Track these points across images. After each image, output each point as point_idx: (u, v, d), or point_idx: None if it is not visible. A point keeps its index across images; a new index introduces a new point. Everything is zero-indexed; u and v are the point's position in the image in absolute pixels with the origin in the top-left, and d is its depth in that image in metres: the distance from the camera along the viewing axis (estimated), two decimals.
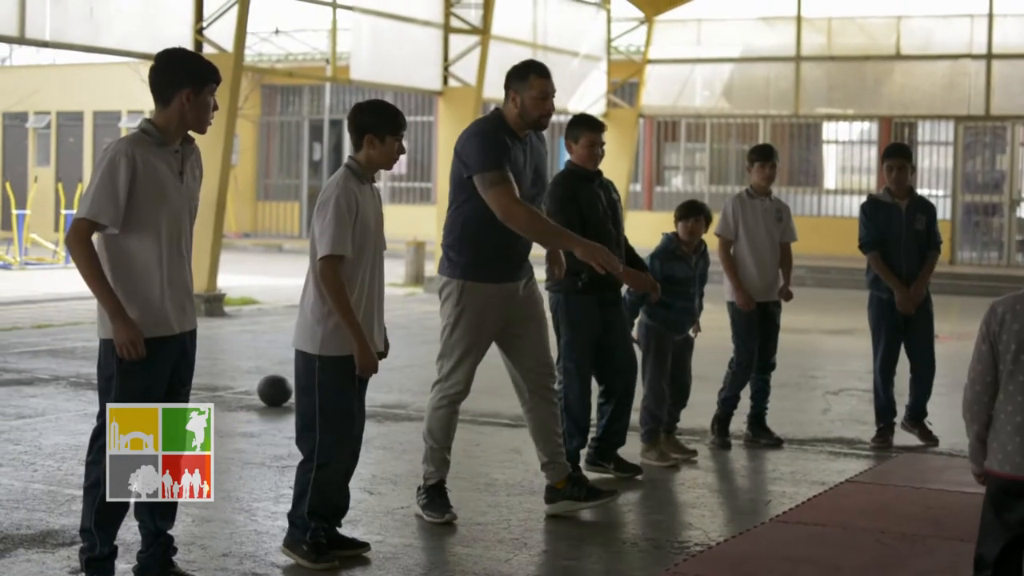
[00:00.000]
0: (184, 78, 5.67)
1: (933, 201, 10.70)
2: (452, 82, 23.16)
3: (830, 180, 31.64)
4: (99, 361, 5.72)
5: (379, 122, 6.46)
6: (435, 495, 7.31)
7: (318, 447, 6.33)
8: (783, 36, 27.99)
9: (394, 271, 25.93)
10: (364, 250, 6.33)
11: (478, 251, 7.17)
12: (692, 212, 9.16)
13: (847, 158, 31.43)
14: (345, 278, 6.20)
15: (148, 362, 5.59)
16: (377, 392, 11.60)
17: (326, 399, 6.32)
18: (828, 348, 16.51)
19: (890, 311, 9.87)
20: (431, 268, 24.08)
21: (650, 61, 28.93)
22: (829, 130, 31.62)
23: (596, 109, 28.13)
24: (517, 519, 7.34)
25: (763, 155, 9.75)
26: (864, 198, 10.36)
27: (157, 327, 5.64)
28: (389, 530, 7.07)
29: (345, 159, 6.54)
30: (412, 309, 20.01)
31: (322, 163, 35.44)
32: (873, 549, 6.79)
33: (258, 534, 6.89)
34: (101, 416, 5.62)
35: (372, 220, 6.38)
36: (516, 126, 7.25)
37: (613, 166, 28.31)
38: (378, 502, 7.69)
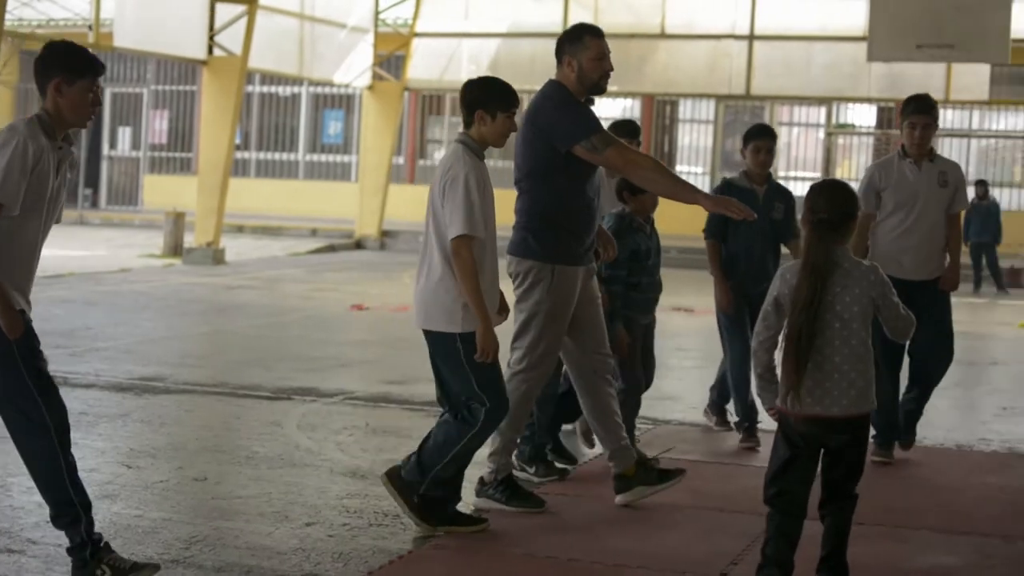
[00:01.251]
0: (56, 69, 5.51)
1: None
2: (217, 51, 22.79)
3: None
4: None
5: (490, 98, 6.46)
6: (513, 486, 7.11)
7: (491, 412, 6.43)
8: (551, 12, 28.18)
9: (152, 242, 25.52)
10: (488, 229, 6.40)
11: (563, 234, 6.95)
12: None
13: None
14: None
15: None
16: (135, 364, 11.40)
17: (480, 373, 6.38)
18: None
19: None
20: (190, 239, 23.75)
21: (417, 34, 28.86)
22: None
23: (362, 82, 27.99)
24: (278, 492, 7.26)
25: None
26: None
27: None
28: (148, 504, 6.92)
29: (457, 135, 6.52)
30: (170, 280, 19.67)
31: (80, 131, 34.51)
32: (630, 517, 6.90)
33: (13, 509, 6.70)
34: None
35: (491, 198, 6.45)
36: (577, 92, 7.01)
37: (376, 139, 28.26)
38: (136, 476, 7.53)
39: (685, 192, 6.94)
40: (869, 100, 28.83)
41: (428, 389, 10.67)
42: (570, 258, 6.95)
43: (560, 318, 6.96)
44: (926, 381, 8.56)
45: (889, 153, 8.83)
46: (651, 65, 27.95)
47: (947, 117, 29.45)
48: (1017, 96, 29.23)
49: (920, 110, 8.38)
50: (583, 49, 6.99)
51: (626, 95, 30.10)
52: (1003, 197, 27.06)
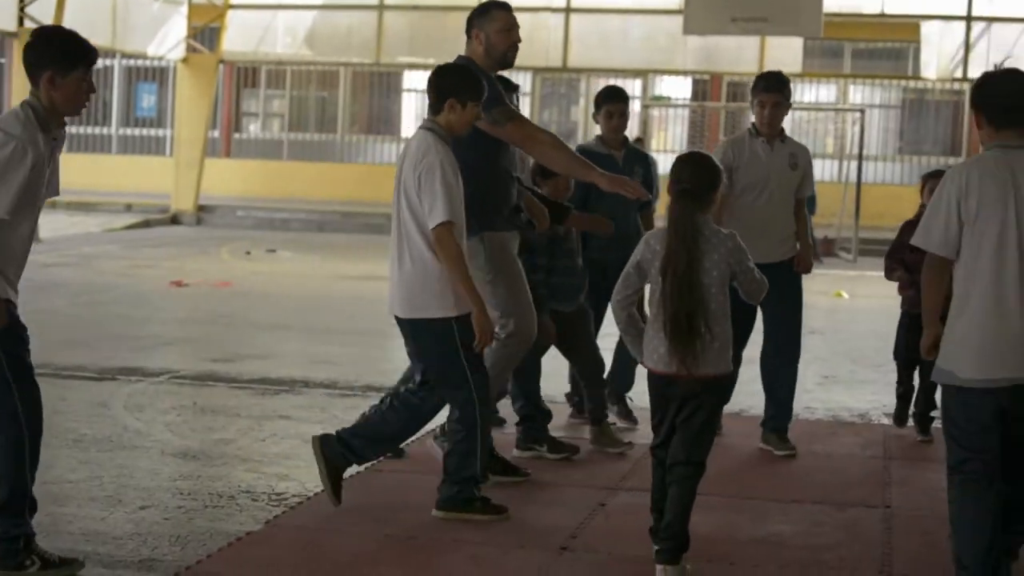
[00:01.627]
0: (47, 61, 5.37)
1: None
2: (28, 23, 22.21)
3: (408, 128, 31.96)
4: None
5: (463, 87, 6.38)
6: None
7: (479, 403, 6.41)
8: None
9: None
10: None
11: (482, 206, 6.77)
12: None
13: (424, 106, 31.71)
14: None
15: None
16: None
17: (471, 356, 6.36)
18: None
19: None
20: None
21: (232, 6, 28.42)
22: (409, 79, 31.90)
23: (176, 54, 27.53)
24: (109, 476, 7.14)
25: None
26: None
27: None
28: None
29: (424, 122, 6.44)
30: None
31: None
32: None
33: None
34: None
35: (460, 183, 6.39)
36: (486, 67, 6.95)
37: (192, 112, 27.82)
38: None
39: (581, 169, 7.04)
40: (684, 73, 29.21)
41: (254, 367, 10.73)
42: (494, 226, 6.95)
43: (515, 275, 6.98)
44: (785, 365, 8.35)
45: (739, 132, 8.73)
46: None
47: None
48: (829, 68, 29.87)
49: (770, 88, 8.15)
50: (490, 21, 7.05)
51: None
52: (816, 168, 27.53)
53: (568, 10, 27.22)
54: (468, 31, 7.15)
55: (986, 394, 5.30)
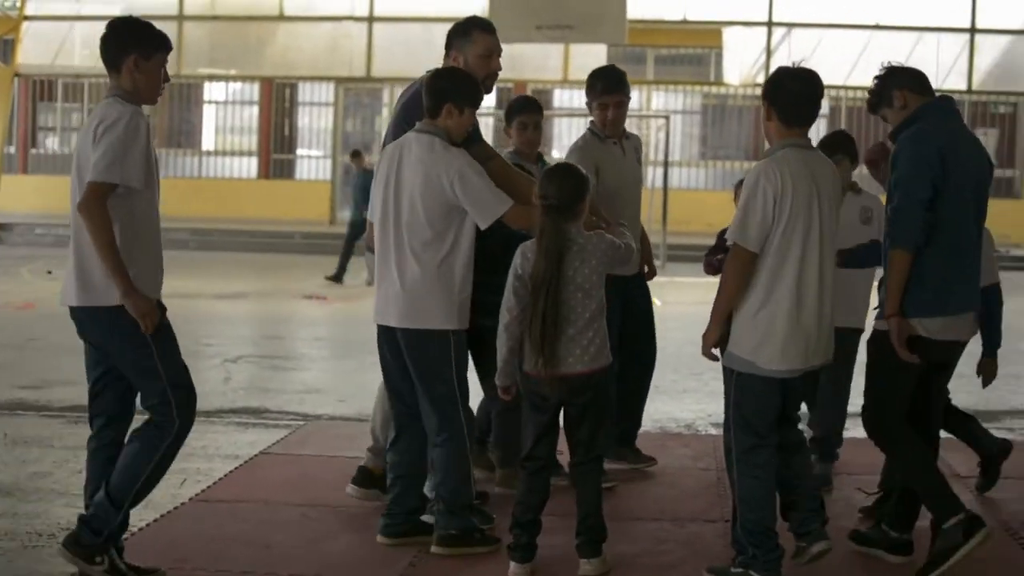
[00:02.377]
0: (131, 46, 5.49)
1: (313, 163, 10.51)
2: None
3: (208, 141, 31.39)
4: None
5: (461, 92, 6.09)
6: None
7: (468, 421, 6.26)
8: None
9: None
10: None
11: None
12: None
13: (225, 118, 31.26)
14: None
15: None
16: None
17: (463, 372, 6.24)
18: (219, 313, 16.21)
19: None
20: None
21: (27, 17, 27.62)
22: (208, 90, 31.34)
23: None
24: None
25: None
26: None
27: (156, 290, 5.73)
28: None
29: (423, 126, 6.10)
30: None
31: None
32: (300, 523, 6.67)
33: None
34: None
35: None
36: None
37: None
38: None
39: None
40: None
41: (65, 394, 10.26)
42: None
43: None
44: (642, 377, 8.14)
45: (583, 137, 7.76)
46: (270, 48, 27.57)
47: (565, 97, 30.07)
48: (633, 75, 30.03)
49: (610, 89, 7.58)
50: (471, 44, 6.65)
51: (244, 79, 29.62)
52: None
53: (371, 19, 27.00)
54: (446, 48, 6.75)
55: (781, 383, 5.70)
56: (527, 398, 5.95)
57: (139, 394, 5.74)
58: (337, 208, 28.90)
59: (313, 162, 30.15)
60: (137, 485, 5.63)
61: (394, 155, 6.17)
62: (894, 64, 6.32)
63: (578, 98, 29.73)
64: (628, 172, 7.73)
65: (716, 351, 5.79)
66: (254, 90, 30.38)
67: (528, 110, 7.67)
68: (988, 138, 28.93)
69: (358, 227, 19.17)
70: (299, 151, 30.53)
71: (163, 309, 5.68)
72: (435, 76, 6.23)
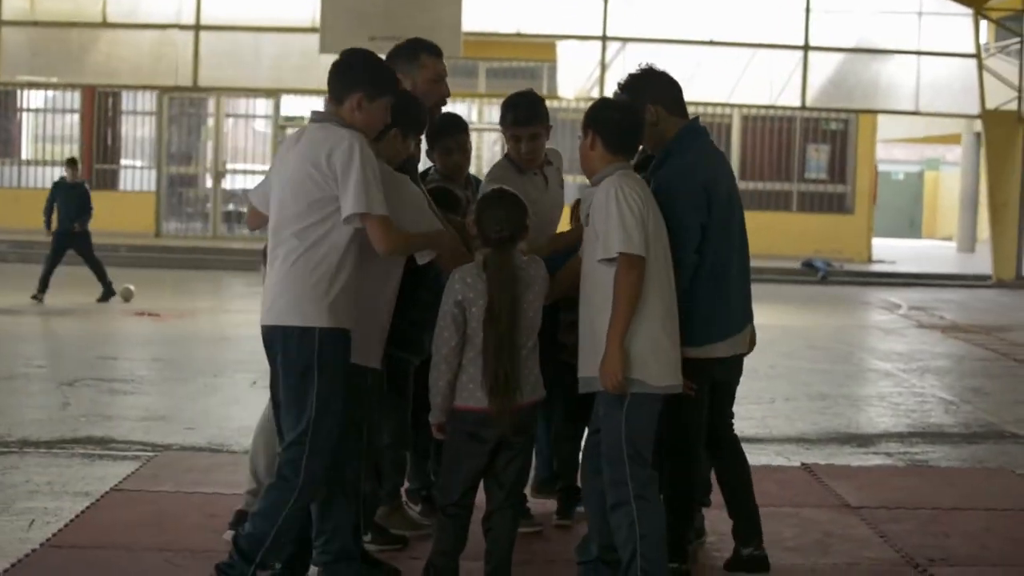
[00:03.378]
0: (361, 84, 5.44)
1: (136, 173, 9.88)
2: None
3: (26, 150, 30.34)
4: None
5: (404, 118, 5.84)
6: None
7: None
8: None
9: None
10: None
11: None
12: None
13: (42, 127, 30.24)
14: None
15: None
16: None
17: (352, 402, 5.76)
18: (47, 331, 15.51)
19: None
20: None
21: None
22: (26, 98, 30.29)
23: None
24: None
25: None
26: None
27: None
28: None
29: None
30: None
31: None
32: (165, 571, 6.16)
33: None
34: None
35: None
36: None
37: None
38: None
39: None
40: (319, 92, 28.47)
41: None
42: None
43: None
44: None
45: (498, 166, 6.96)
46: (92, 55, 26.68)
47: None
48: (465, 88, 29.68)
49: (520, 120, 6.68)
50: (418, 68, 6.27)
51: (66, 87, 28.65)
52: None
53: (198, 27, 26.23)
54: None
55: (663, 400, 5.58)
56: (459, 439, 5.65)
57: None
58: (163, 220, 28.11)
59: (137, 172, 29.30)
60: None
61: (287, 143, 5.69)
62: (652, 68, 6.16)
63: None
64: (549, 203, 6.92)
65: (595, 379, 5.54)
66: (75, 98, 29.40)
67: (451, 131, 6.85)
68: (820, 154, 29.24)
69: (65, 239, 18.51)
70: (123, 161, 29.65)
71: None
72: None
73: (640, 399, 5.50)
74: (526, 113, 6.70)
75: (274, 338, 5.47)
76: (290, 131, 29.17)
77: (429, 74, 6.33)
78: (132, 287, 18.21)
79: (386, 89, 5.56)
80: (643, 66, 6.23)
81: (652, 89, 6.02)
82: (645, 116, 5.86)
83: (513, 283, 5.55)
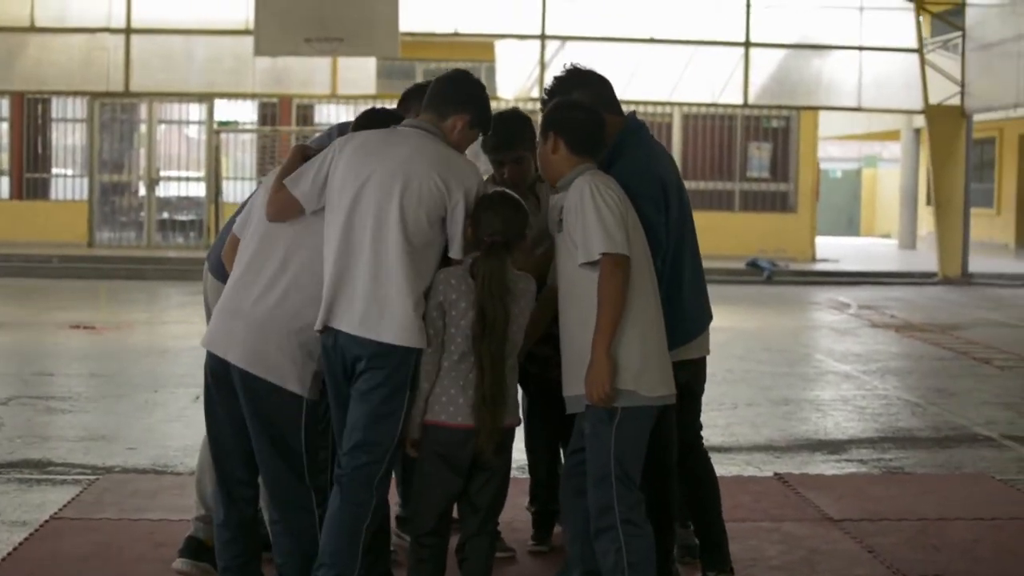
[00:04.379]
0: (470, 107, 5.40)
1: (66, 182, 9.37)
2: None
3: None
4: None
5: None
6: None
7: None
8: None
9: None
10: None
11: None
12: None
13: None
14: None
15: None
16: None
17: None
18: None
19: None
20: None
21: None
22: None
23: None
24: None
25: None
26: None
27: None
28: None
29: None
30: None
31: None
32: None
33: None
34: None
35: None
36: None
37: None
38: None
39: None
40: (253, 96, 28.08)
41: None
42: None
43: None
44: None
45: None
46: (21, 61, 26.05)
47: (333, 112, 29.20)
48: (403, 90, 29.32)
49: (500, 145, 6.19)
50: None
51: None
52: None
53: (128, 31, 25.64)
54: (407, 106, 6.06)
55: (656, 414, 5.25)
56: (430, 460, 5.27)
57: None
58: (96, 229, 27.51)
59: (68, 181, 28.66)
60: None
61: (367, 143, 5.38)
62: (577, 67, 5.89)
63: (345, 114, 28.99)
64: (545, 224, 6.17)
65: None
66: (3, 105, 28.74)
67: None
68: (762, 152, 29.00)
69: None
70: (54, 170, 29.00)
71: None
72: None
73: (632, 413, 5.14)
74: (507, 136, 6.20)
75: (367, 351, 5.14)
76: (224, 136, 28.82)
77: None
78: None
79: (486, 124, 5.53)
80: (568, 66, 5.95)
81: (582, 90, 5.72)
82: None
83: (504, 292, 5.19)
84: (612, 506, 5.15)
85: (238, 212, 5.74)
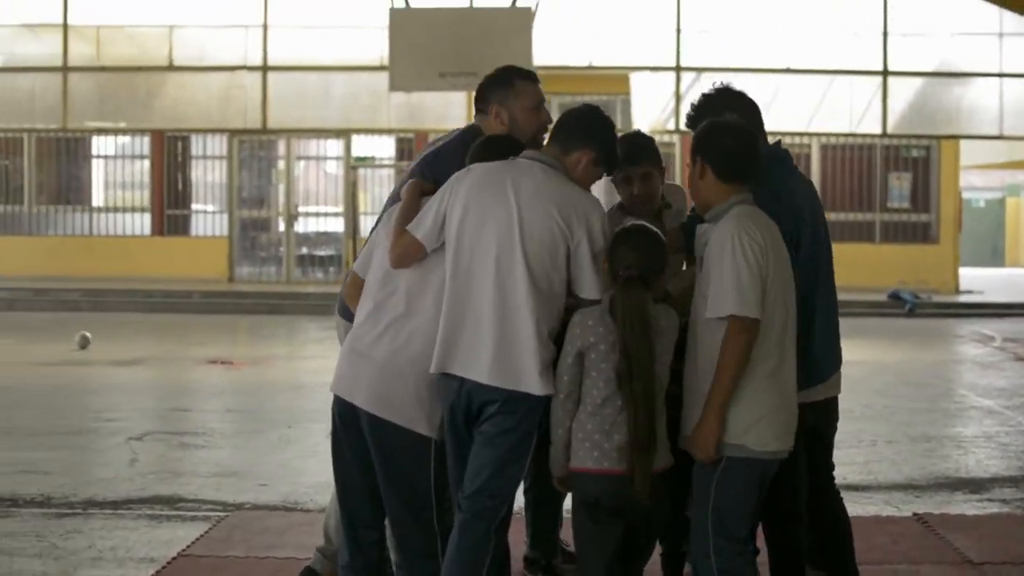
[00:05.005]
0: (597, 143, 5.27)
1: (207, 218, 9.44)
2: None
3: (98, 197, 30.16)
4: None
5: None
6: None
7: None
8: (49, 44, 26.32)
9: None
10: None
11: None
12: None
13: (115, 173, 30.04)
14: None
15: None
16: None
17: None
18: (118, 382, 15.03)
19: None
20: None
21: None
22: (97, 144, 30.13)
23: None
24: None
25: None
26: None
27: None
28: None
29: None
30: None
31: None
32: None
33: None
34: None
35: None
36: None
37: None
38: None
39: None
40: (389, 131, 28.25)
41: None
42: None
43: None
44: None
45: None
46: (160, 100, 26.54)
47: None
48: None
49: (630, 159, 6.08)
50: (514, 96, 5.77)
51: (135, 131, 28.45)
52: None
53: (265, 68, 26.02)
54: (483, 105, 5.85)
55: (762, 472, 5.07)
56: (585, 510, 5.09)
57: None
58: (236, 265, 27.82)
59: (209, 217, 29.00)
60: None
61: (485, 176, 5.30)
62: (728, 87, 5.74)
63: None
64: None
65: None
66: (144, 143, 29.20)
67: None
68: (903, 182, 28.52)
69: None
70: (194, 206, 29.40)
71: None
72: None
73: (736, 464, 4.99)
74: (635, 150, 6.16)
75: (499, 397, 5.08)
76: (361, 172, 28.99)
77: (527, 101, 5.80)
78: (88, 334, 17.65)
79: (612, 163, 5.42)
80: (717, 85, 5.80)
81: (732, 112, 5.54)
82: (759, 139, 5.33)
83: (646, 328, 4.97)
84: (709, 555, 5.05)
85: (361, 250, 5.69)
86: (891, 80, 25.57)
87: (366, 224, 28.05)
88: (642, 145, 6.25)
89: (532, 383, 5.03)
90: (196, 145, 29.51)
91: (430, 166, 5.72)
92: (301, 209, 28.77)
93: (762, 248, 4.95)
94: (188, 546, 7.44)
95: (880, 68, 25.46)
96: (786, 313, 5.07)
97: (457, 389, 5.09)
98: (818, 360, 5.56)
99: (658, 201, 6.31)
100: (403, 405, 5.18)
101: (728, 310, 4.90)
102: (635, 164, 6.16)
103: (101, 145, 29.86)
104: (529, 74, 5.90)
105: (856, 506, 6.07)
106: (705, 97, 5.72)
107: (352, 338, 5.36)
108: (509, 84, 5.81)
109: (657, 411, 5.01)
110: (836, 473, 5.91)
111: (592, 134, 5.29)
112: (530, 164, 5.25)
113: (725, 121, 5.28)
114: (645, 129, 25.68)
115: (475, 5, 24.65)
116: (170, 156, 29.13)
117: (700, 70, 25.53)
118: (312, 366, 16.11)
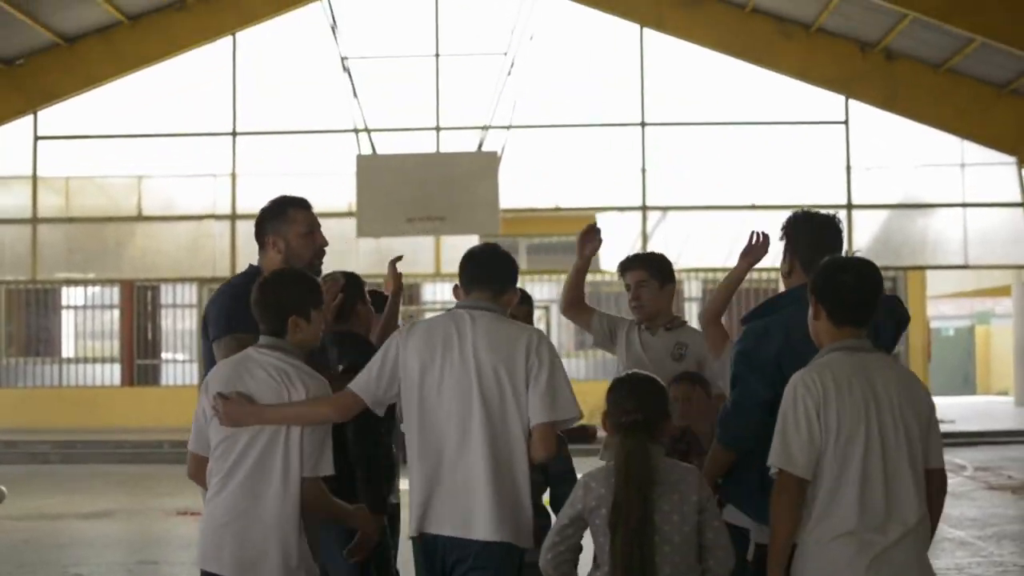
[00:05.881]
0: (514, 281, 5.46)
1: (177, 367, 9.45)
2: None
3: (68, 348, 30.14)
4: None
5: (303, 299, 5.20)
6: None
7: None
8: (18, 196, 26.46)
9: None
10: None
11: None
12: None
13: (84, 324, 30.07)
14: None
15: None
16: None
17: None
18: (86, 535, 14.88)
19: None
20: None
21: None
22: (66, 295, 30.18)
23: None
24: None
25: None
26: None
27: None
28: None
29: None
30: None
31: None
32: None
33: None
34: None
35: None
36: None
37: None
38: None
39: None
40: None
41: None
42: None
43: None
44: None
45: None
46: (129, 249, 26.62)
47: (437, 291, 29.39)
48: None
49: (627, 266, 7.05)
50: (287, 224, 5.96)
51: (103, 282, 28.52)
52: None
53: (234, 216, 26.19)
54: (260, 238, 6.03)
55: None
56: None
57: None
58: None
59: (179, 366, 28.99)
60: None
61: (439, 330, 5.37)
62: (807, 213, 5.82)
63: (451, 291, 29.14)
64: (646, 361, 6.77)
65: None
66: (114, 293, 29.25)
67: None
68: None
69: None
70: (164, 355, 29.40)
71: None
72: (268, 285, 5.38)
73: None
74: (628, 259, 6.98)
75: (469, 551, 5.06)
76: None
77: (300, 227, 6.02)
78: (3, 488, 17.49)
79: (526, 295, 5.83)
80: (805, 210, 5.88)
81: (794, 238, 5.77)
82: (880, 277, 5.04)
83: (647, 481, 4.75)
84: None
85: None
86: (855, 213, 25.85)
87: None
88: (636, 255, 7.03)
89: (501, 532, 4.99)
90: (165, 294, 29.58)
91: (237, 318, 5.70)
92: None
93: (818, 402, 4.70)
94: None
95: (844, 202, 25.72)
96: (864, 468, 4.71)
97: (431, 547, 5.10)
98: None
99: (658, 314, 6.91)
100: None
101: (776, 463, 4.75)
102: (627, 271, 6.89)
103: (71, 296, 29.93)
104: (302, 201, 6.06)
105: None
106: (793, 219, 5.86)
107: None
108: (282, 213, 5.98)
109: (656, 565, 4.76)
110: None
111: (513, 273, 5.50)
112: (474, 314, 5.32)
113: (843, 259, 5.14)
114: (613, 268, 25.87)
115: (441, 150, 24.92)
116: (140, 305, 29.17)
117: (666, 209, 25.78)
118: None
